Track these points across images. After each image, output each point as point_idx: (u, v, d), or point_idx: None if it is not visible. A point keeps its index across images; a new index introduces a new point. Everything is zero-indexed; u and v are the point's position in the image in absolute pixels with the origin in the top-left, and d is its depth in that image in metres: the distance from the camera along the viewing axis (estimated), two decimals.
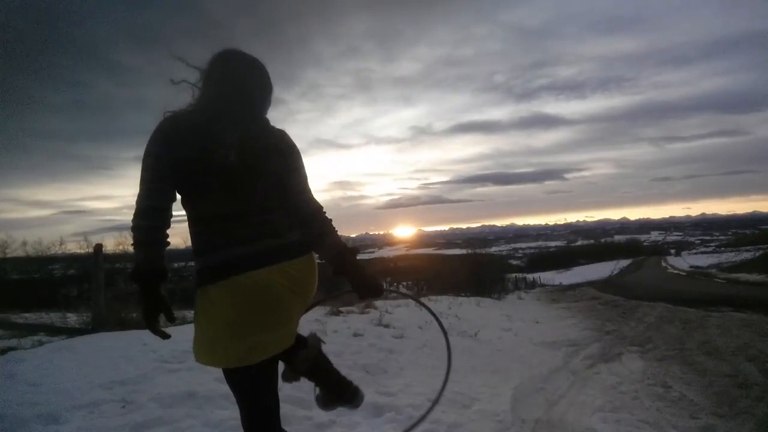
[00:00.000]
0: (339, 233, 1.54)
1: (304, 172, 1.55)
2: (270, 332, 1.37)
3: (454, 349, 5.48)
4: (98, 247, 5.22)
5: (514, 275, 32.21)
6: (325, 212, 1.54)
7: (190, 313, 5.28)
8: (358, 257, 1.53)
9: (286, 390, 3.04)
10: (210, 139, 1.33)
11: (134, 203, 1.28)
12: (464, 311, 9.05)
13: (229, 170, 1.34)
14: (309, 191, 1.54)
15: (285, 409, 2.75)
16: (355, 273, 1.50)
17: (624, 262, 55.96)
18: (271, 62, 1.55)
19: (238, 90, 1.42)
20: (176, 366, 3.36)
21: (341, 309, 6.68)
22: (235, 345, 1.32)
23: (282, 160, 1.48)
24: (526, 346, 5.96)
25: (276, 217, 1.45)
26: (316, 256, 1.52)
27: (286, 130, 1.57)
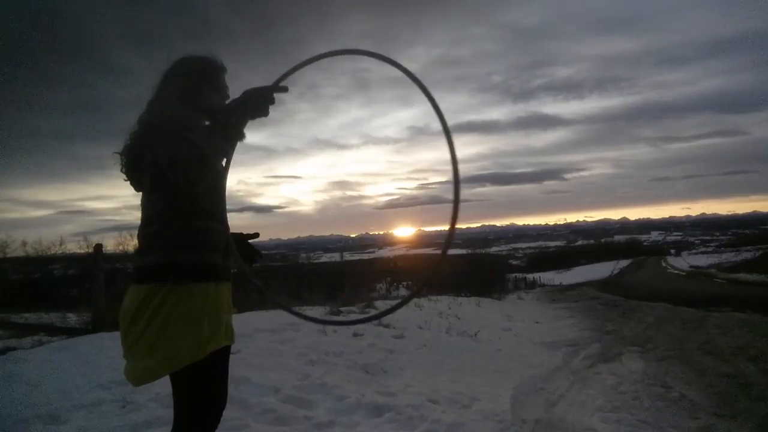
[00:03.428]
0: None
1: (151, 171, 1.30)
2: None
3: (454, 348, 5.44)
4: (98, 247, 5.22)
5: (514, 275, 32.23)
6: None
7: None
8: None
9: (285, 390, 3.04)
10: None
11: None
12: (464, 311, 9.05)
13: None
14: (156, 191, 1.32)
15: (284, 409, 2.75)
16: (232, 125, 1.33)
17: (624, 262, 55.99)
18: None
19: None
20: None
21: (341, 309, 6.68)
22: None
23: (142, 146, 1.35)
24: (526, 346, 5.96)
25: (142, 230, 1.38)
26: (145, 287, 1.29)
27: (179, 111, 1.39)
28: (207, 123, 1.44)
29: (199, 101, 1.42)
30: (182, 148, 1.20)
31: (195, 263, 1.31)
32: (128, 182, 1.42)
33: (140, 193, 1.40)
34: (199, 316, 1.29)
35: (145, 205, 1.37)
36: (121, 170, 1.42)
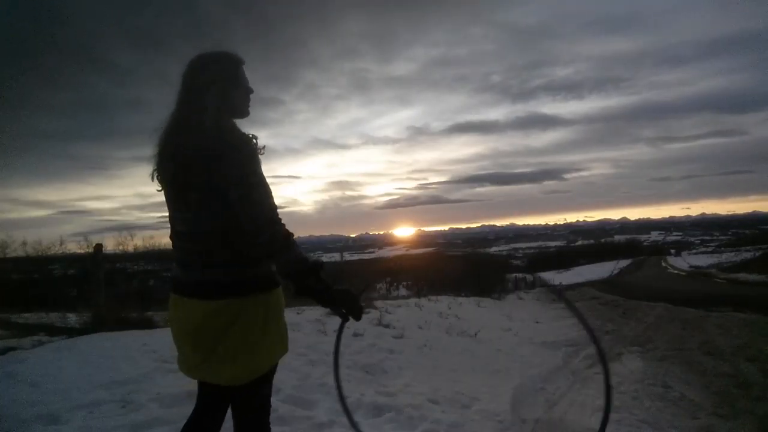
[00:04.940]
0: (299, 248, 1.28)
1: (248, 181, 1.24)
2: (181, 352, 1.47)
3: (454, 348, 5.45)
4: (98, 247, 5.22)
5: (514, 275, 32.19)
6: (275, 230, 1.25)
7: None
8: (318, 277, 1.29)
9: (285, 390, 3.04)
10: (156, 151, 1.37)
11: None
12: (464, 311, 9.06)
13: (161, 185, 1.38)
14: (256, 205, 1.24)
15: (284, 409, 2.75)
16: (317, 295, 1.31)
17: (624, 262, 55.91)
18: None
19: (178, 93, 1.37)
20: (176, 366, 3.36)
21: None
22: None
23: (215, 167, 1.24)
24: (526, 346, 5.96)
25: (202, 245, 1.32)
26: (226, 302, 1.31)
27: (238, 128, 1.35)
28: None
29: (229, 103, 1.36)
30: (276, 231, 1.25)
31: (257, 276, 1.35)
32: (161, 191, 1.38)
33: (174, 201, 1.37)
34: (270, 324, 1.37)
35: (187, 221, 1.33)
36: (156, 178, 1.37)
